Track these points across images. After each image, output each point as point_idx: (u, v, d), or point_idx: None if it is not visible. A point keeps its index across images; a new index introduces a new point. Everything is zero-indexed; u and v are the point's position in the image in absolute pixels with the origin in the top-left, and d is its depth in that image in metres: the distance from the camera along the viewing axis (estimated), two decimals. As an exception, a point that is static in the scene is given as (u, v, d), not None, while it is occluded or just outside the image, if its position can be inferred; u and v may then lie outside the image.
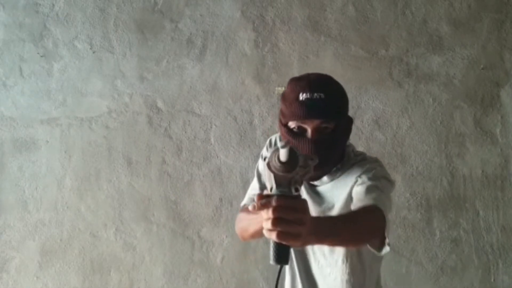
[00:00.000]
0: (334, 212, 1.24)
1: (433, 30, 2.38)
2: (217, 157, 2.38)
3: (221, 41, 2.44)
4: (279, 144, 0.82)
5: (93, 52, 2.48)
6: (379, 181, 1.20)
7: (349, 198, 1.22)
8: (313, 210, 1.25)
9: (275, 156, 0.84)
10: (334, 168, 1.27)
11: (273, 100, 2.39)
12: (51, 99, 2.46)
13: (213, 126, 2.40)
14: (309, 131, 1.18)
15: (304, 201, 0.88)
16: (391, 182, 1.26)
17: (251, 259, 2.30)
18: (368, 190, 1.16)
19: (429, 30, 2.38)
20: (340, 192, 1.25)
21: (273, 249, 0.89)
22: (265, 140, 2.36)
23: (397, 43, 2.38)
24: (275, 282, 0.98)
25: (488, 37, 2.36)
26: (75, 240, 2.36)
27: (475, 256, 2.25)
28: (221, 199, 2.35)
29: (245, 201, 1.48)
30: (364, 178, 1.21)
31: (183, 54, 2.45)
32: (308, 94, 1.16)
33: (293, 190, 0.85)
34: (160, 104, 2.43)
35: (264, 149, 1.44)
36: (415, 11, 2.39)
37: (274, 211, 0.83)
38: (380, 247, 1.11)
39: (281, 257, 0.90)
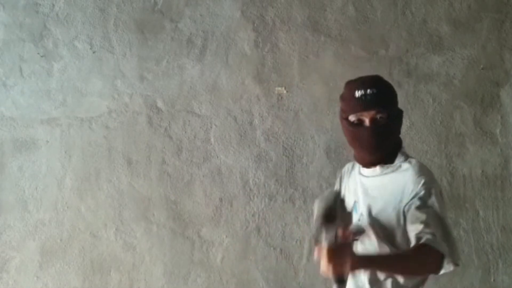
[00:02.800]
0: (378, 206, 1.39)
1: (433, 30, 2.38)
2: (217, 157, 2.38)
3: (221, 41, 2.44)
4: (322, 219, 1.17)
5: (93, 52, 2.48)
6: (434, 201, 1.32)
7: (396, 201, 1.36)
8: (362, 200, 1.44)
9: (320, 234, 1.17)
10: (387, 164, 1.43)
11: (273, 100, 2.39)
12: (51, 99, 2.46)
13: (213, 126, 2.40)
14: (367, 121, 1.38)
15: (347, 246, 1.19)
16: (443, 197, 1.38)
17: (251, 259, 2.30)
18: (425, 222, 1.27)
19: (429, 30, 2.38)
20: (386, 190, 1.40)
21: (333, 279, 1.16)
22: (265, 140, 2.38)
23: (397, 43, 2.38)
24: None
25: (488, 37, 2.36)
26: (75, 240, 2.36)
27: (475, 256, 2.25)
28: (221, 199, 2.35)
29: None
30: (418, 200, 1.32)
31: (183, 54, 2.45)
32: (362, 90, 1.38)
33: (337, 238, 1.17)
34: (160, 104, 2.43)
35: (337, 179, 1.64)
36: (415, 11, 2.39)
37: (326, 261, 1.14)
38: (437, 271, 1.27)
39: (340, 280, 1.16)
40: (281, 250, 2.29)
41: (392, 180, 1.40)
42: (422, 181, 1.34)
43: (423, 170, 1.40)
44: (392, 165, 1.43)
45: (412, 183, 1.35)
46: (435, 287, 2.24)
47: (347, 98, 1.43)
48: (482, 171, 2.29)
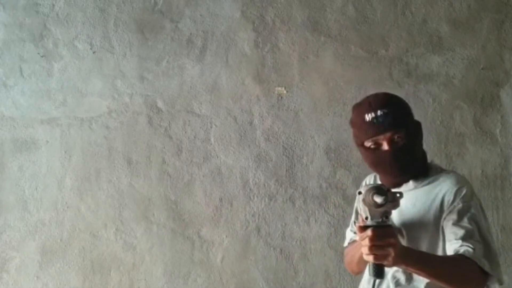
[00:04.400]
0: (414, 222, 1.31)
1: (433, 30, 2.38)
2: (217, 157, 2.38)
3: (221, 41, 2.44)
4: (373, 185, 1.12)
5: (93, 52, 2.48)
6: (474, 215, 1.26)
7: (435, 214, 1.29)
8: (394, 218, 1.34)
9: (369, 195, 1.09)
10: (420, 177, 1.35)
11: (273, 100, 2.39)
12: (51, 99, 2.46)
13: (213, 126, 2.40)
14: (385, 144, 1.30)
15: (392, 229, 1.13)
16: (483, 211, 1.31)
17: (251, 259, 2.30)
18: (463, 237, 1.22)
19: (429, 30, 2.38)
20: (423, 204, 1.32)
21: (372, 267, 1.11)
22: (265, 140, 2.38)
23: (397, 43, 2.38)
24: None
25: (488, 37, 2.36)
26: (75, 240, 2.36)
27: (475, 256, 2.25)
28: (221, 199, 2.35)
29: (347, 239, 1.58)
30: (456, 215, 1.25)
31: (183, 54, 2.45)
32: (372, 113, 1.29)
33: (384, 219, 1.11)
34: (160, 104, 2.43)
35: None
36: (415, 11, 2.39)
37: (370, 240, 1.07)
38: None
39: (378, 273, 1.11)
40: (281, 250, 2.29)
41: (427, 192, 1.32)
42: (462, 193, 1.28)
43: (463, 182, 1.32)
44: (426, 178, 1.35)
45: (452, 194, 1.28)
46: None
47: (357, 123, 1.34)
48: (482, 171, 2.29)
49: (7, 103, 2.47)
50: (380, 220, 1.10)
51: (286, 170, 2.35)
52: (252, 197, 2.34)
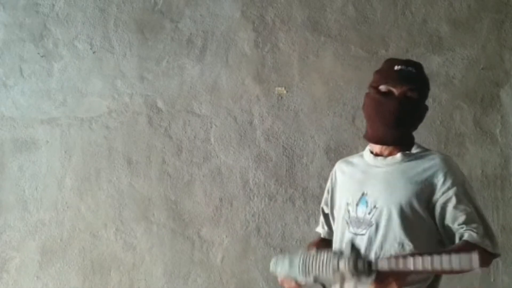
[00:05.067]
0: (398, 195, 1.32)
1: (433, 30, 2.38)
2: (217, 157, 2.38)
3: (221, 41, 2.44)
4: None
5: (93, 52, 2.48)
6: (471, 198, 1.32)
7: (423, 191, 1.32)
8: (376, 192, 1.36)
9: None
10: (407, 152, 1.39)
11: (273, 100, 2.39)
12: (51, 99, 2.46)
13: (213, 126, 2.40)
14: (396, 93, 1.35)
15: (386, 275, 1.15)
16: (469, 183, 1.37)
17: (251, 259, 2.31)
18: (465, 221, 1.27)
19: (429, 30, 2.38)
20: (410, 178, 1.34)
21: None
22: (265, 140, 2.38)
23: (397, 43, 2.38)
24: None
25: (488, 37, 2.36)
26: (75, 240, 2.36)
27: (475, 256, 2.24)
28: (221, 199, 2.35)
29: (322, 203, 1.63)
30: (455, 198, 1.30)
31: (183, 54, 2.45)
32: (403, 66, 1.37)
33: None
34: (160, 104, 2.43)
35: (329, 181, 1.60)
36: (415, 11, 2.39)
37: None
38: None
39: None
40: (281, 250, 2.29)
41: (415, 167, 1.35)
42: (455, 176, 1.33)
43: (454, 164, 1.37)
44: (413, 154, 1.38)
45: (443, 176, 1.31)
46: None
47: (384, 70, 1.42)
48: (482, 171, 2.29)
49: (7, 103, 2.47)
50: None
51: (286, 170, 2.35)
52: (252, 197, 2.34)
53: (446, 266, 1.06)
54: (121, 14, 2.49)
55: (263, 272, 2.29)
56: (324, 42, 2.40)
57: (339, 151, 2.32)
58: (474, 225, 1.26)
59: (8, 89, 2.48)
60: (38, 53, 2.49)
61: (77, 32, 2.49)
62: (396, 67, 1.37)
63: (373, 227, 1.33)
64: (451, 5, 2.38)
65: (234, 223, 2.33)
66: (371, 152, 1.44)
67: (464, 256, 1.05)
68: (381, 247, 1.32)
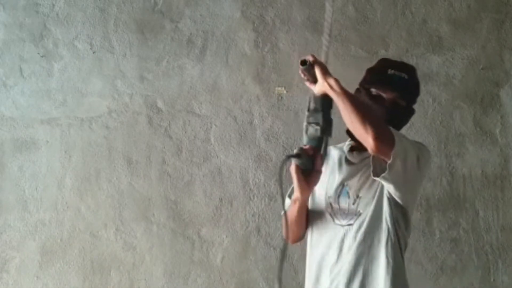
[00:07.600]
0: (377, 182, 1.34)
1: (433, 30, 2.38)
2: (217, 157, 2.38)
3: (221, 41, 2.44)
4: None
5: (93, 52, 2.48)
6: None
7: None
8: (356, 184, 1.39)
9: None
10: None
11: (273, 100, 2.39)
12: (51, 99, 2.46)
13: (213, 126, 2.40)
14: (386, 100, 1.39)
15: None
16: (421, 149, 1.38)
17: (251, 259, 2.31)
18: None
19: (429, 30, 2.38)
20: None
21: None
22: (265, 140, 2.38)
23: (397, 43, 2.38)
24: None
25: (488, 37, 2.36)
26: (75, 240, 2.36)
27: (475, 256, 2.25)
28: (221, 199, 2.35)
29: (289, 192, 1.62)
30: None
31: (183, 54, 2.45)
32: (396, 71, 1.41)
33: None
34: (160, 104, 2.43)
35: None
36: (415, 11, 2.39)
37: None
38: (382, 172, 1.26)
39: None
40: (281, 250, 2.29)
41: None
42: None
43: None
44: None
45: None
46: (435, 287, 2.24)
47: (377, 71, 1.45)
48: (482, 171, 2.29)
49: (7, 103, 2.47)
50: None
51: (286, 170, 2.34)
52: (252, 197, 2.34)
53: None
54: (121, 14, 2.49)
55: (263, 272, 2.29)
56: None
57: (339, 151, 2.32)
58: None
59: (8, 89, 2.47)
60: (38, 53, 2.49)
61: (77, 32, 2.49)
62: (389, 71, 1.40)
63: (362, 216, 1.36)
64: (451, 5, 2.38)
65: (234, 223, 2.33)
66: (351, 147, 1.47)
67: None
68: (370, 233, 1.34)
